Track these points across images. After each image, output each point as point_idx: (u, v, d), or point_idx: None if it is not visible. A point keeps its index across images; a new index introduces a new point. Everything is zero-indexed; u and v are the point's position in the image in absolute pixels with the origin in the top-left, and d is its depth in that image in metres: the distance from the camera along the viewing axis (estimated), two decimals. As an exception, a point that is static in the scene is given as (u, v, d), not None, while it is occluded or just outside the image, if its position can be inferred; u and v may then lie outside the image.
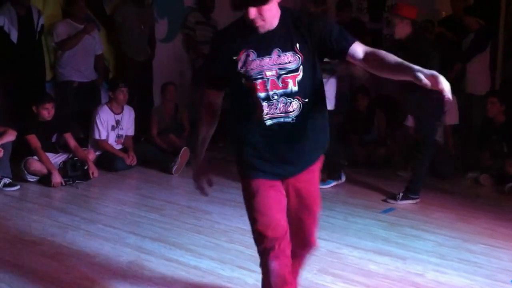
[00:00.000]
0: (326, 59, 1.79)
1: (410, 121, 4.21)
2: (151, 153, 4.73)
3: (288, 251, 1.77)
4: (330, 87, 3.61)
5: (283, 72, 1.69)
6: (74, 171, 4.04)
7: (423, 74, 1.45)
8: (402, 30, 3.49)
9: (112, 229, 3.10)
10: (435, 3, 5.78)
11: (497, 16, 5.12)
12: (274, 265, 1.73)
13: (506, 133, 4.27)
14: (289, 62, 1.69)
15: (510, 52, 5.13)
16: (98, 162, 4.39)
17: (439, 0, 5.69)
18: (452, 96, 1.47)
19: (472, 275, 2.61)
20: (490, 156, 4.32)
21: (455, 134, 4.66)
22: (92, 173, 4.12)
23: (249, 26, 1.66)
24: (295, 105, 1.72)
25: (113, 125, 4.64)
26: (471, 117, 4.64)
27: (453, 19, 5.08)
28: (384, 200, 3.74)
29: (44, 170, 3.99)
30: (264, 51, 1.69)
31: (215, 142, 5.55)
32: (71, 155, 4.17)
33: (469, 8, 5.05)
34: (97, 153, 4.53)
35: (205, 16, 6.02)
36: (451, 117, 4.43)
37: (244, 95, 1.74)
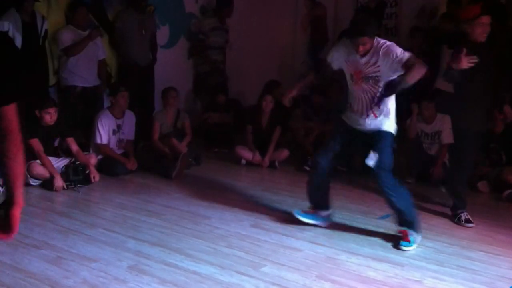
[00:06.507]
0: None
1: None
2: (151, 158, 4.75)
3: None
4: None
5: None
6: (76, 175, 4.07)
7: None
8: (485, 30, 3.28)
9: (112, 233, 3.12)
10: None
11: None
12: None
13: (504, 141, 4.30)
14: None
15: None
16: (100, 167, 4.42)
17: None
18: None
19: (470, 282, 2.62)
20: (488, 163, 4.34)
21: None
22: (94, 178, 4.15)
23: None
24: None
25: (114, 129, 4.68)
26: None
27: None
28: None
29: (47, 174, 4.02)
30: None
31: (209, 148, 5.64)
32: (73, 159, 4.20)
33: None
34: (99, 157, 4.56)
35: (221, 21, 6.06)
36: (447, 137, 4.45)
37: None
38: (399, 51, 2.91)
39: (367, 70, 3.00)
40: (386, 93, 2.96)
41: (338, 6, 6.78)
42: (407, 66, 2.84)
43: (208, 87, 5.99)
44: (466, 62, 3.06)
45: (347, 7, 6.55)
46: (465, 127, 3.39)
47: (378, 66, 2.96)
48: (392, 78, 2.95)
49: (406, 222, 3.08)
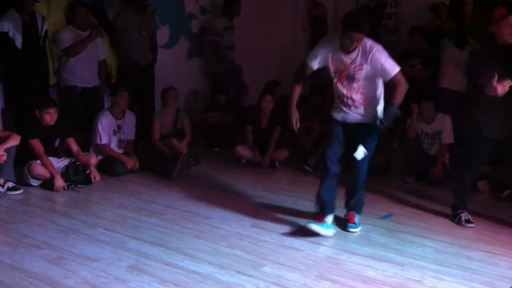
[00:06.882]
0: None
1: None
2: (151, 158, 4.75)
3: None
4: None
5: None
6: (76, 176, 4.07)
7: None
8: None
9: (113, 233, 3.12)
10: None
11: None
12: None
13: (504, 141, 4.28)
14: None
15: None
16: (100, 167, 4.42)
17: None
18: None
19: (470, 281, 2.62)
20: (488, 163, 4.33)
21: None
22: (94, 178, 4.15)
23: None
24: None
25: (115, 129, 4.68)
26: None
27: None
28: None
29: (47, 174, 4.02)
30: None
31: (210, 147, 5.64)
32: (73, 160, 4.21)
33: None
34: (99, 157, 4.56)
35: (231, 21, 6.08)
36: (448, 137, 4.45)
37: None
38: (387, 64, 2.99)
39: (351, 69, 3.05)
40: (382, 125, 2.99)
41: (338, 6, 6.78)
42: (391, 83, 3.00)
43: (228, 86, 5.97)
44: (502, 89, 3.01)
45: (347, 7, 6.52)
46: (476, 128, 3.33)
47: (362, 68, 3.02)
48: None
49: (358, 207, 3.34)
